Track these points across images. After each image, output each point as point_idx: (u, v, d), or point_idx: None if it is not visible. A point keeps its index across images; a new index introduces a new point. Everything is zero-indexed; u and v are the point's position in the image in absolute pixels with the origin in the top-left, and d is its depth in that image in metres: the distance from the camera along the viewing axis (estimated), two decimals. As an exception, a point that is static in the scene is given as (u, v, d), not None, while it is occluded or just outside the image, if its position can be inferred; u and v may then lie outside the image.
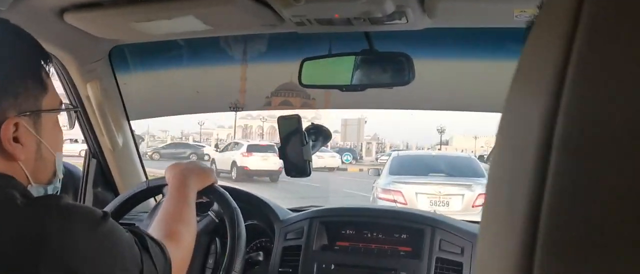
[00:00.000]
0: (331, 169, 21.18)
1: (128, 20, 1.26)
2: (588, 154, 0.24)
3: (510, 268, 0.27)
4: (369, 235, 1.55)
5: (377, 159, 34.49)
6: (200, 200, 1.32)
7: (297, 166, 1.46)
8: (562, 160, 0.24)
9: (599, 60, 0.25)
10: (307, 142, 1.45)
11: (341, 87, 1.48)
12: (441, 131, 40.67)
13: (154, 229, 1.02)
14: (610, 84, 0.24)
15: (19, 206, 0.74)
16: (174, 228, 1.03)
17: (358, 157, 32.22)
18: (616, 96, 0.24)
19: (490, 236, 0.31)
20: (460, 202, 6.87)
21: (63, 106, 0.90)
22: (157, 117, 1.96)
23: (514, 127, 0.29)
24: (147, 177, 1.85)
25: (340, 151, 27.97)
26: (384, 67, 1.45)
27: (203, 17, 1.27)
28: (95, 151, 1.74)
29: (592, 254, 0.24)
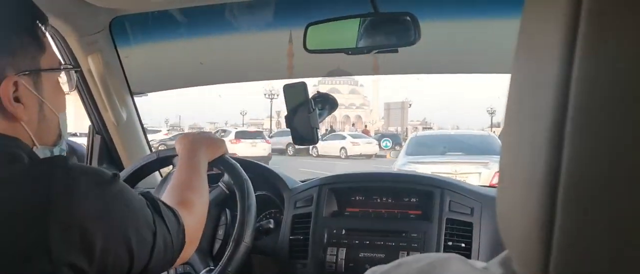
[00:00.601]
0: (369, 157, 21.85)
1: (128, -15, 1.24)
2: (603, 115, 0.25)
3: (533, 223, 0.28)
4: (379, 200, 1.55)
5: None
6: (211, 171, 1.30)
7: (304, 134, 1.44)
8: (578, 123, 0.25)
9: (608, 22, 0.25)
10: (313, 110, 1.44)
11: (347, 51, 1.46)
12: (491, 113, 39.46)
13: (165, 198, 1.00)
14: (622, 44, 0.24)
15: (26, 166, 0.73)
16: (185, 196, 1.03)
17: (401, 143, 31.70)
18: (628, 55, 0.24)
19: (510, 197, 0.31)
20: (477, 181, 6.81)
21: (62, 67, 0.88)
22: (159, 91, 1.94)
23: (526, 92, 0.30)
24: (151, 151, 1.84)
25: (382, 137, 26.85)
26: (389, 29, 1.43)
27: (204, -19, 1.24)
28: (99, 127, 1.73)
29: (612, 202, 0.25)
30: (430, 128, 42.50)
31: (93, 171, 0.78)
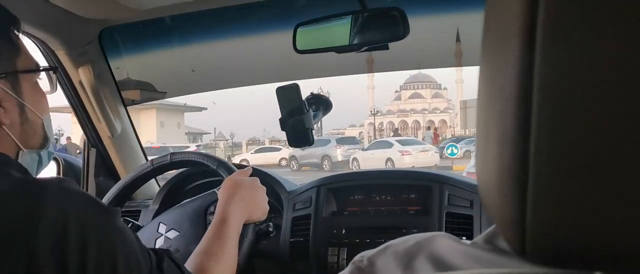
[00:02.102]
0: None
1: (115, -6, 1.23)
2: (565, 105, 0.26)
3: (508, 179, 0.29)
4: (378, 198, 1.54)
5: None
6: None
7: (299, 135, 1.43)
8: (543, 116, 0.26)
9: (566, 18, 0.26)
10: (307, 111, 1.43)
11: (337, 49, 1.46)
12: None
13: (188, 262, 0.96)
14: (577, 37, 0.25)
15: (15, 186, 0.71)
16: (205, 264, 0.97)
17: None
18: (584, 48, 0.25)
19: (486, 158, 0.32)
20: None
21: (41, 68, 0.87)
22: (153, 100, 1.94)
23: (494, 80, 0.30)
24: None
25: (457, 140, 23.73)
26: (378, 25, 1.43)
27: (191, -14, 1.24)
28: (93, 140, 1.72)
29: (582, 153, 0.26)
30: None
31: (91, 197, 0.76)
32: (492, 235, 0.44)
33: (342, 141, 22.97)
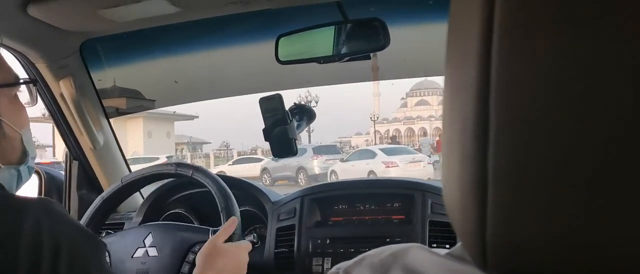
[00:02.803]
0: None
1: (95, 7, 1.23)
2: (522, 120, 0.26)
3: (468, 196, 0.29)
4: (362, 207, 1.54)
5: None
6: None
7: (282, 146, 1.43)
8: (500, 132, 0.27)
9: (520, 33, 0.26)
10: (291, 121, 1.43)
11: (319, 60, 1.46)
12: None
13: None
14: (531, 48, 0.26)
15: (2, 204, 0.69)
16: None
17: None
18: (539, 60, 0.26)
19: (449, 174, 0.32)
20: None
21: (20, 81, 0.85)
22: (138, 111, 1.93)
23: (455, 98, 0.31)
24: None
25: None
26: (359, 35, 1.44)
27: (171, -1, 1.24)
28: (76, 153, 1.71)
29: (540, 169, 0.27)
30: None
31: (81, 226, 0.75)
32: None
33: (320, 150, 19.66)
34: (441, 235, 1.41)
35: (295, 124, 1.47)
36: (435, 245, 1.40)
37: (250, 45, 1.70)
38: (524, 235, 0.27)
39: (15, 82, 0.83)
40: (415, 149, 24.07)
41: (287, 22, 1.52)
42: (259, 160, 21.91)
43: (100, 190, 1.76)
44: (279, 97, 1.46)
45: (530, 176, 0.26)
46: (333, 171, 17.25)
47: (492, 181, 0.27)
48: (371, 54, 1.60)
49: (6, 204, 0.70)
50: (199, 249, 1.16)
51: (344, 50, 1.44)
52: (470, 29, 0.28)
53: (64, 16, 1.29)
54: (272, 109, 1.44)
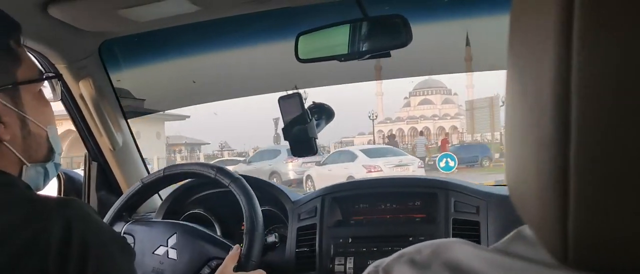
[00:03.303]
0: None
1: (115, 6, 1.22)
2: (606, 108, 0.25)
3: (547, 188, 0.28)
4: (383, 206, 1.53)
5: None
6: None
7: (302, 145, 1.42)
8: (583, 120, 0.26)
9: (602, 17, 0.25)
10: (310, 120, 1.42)
11: (339, 58, 1.45)
12: None
13: None
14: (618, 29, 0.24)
15: (30, 205, 0.69)
16: None
17: (490, 157, 20.38)
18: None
19: (520, 165, 0.31)
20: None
21: (44, 76, 0.83)
22: (153, 113, 1.92)
23: (527, 84, 0.29)
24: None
25: (466, 148, 20.75)
26: (380, 32, 1.42)
27: (191, -3, 1.23)
28: (95, 153, 1.71)
29: (625, 158, 0.25)
30: None
31: (109, 227, 0.76)
32: (513, 240, 0.42)
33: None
34: (465, 233, 1.39)
35: (315, 122, 1.46)
36: (459, 244, 1.38)
37: (268, 44, 1.69)
38: (609, 230, 0.26)
39: (38, 78, 0.81)
40: (409, 150, 22.85)
41: (307, 20, 1.51)
42: (236, 162, 20.60)
43: (119, 191, 1.76)
44: (299, 95, 1.45)
45: (616, 165, 0.25)
46: (309, 176, 15.27)
47: (573, 173, 0.26)
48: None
49: (34, 206, 0.69)
50: (216, 265, 1.22)
51: (364, 47, 1.43)
52: (546, 13, 0.26)
53: (84, 16, 1.28)
54: (291, 108, 1.44)
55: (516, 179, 0.32)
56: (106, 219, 1.43)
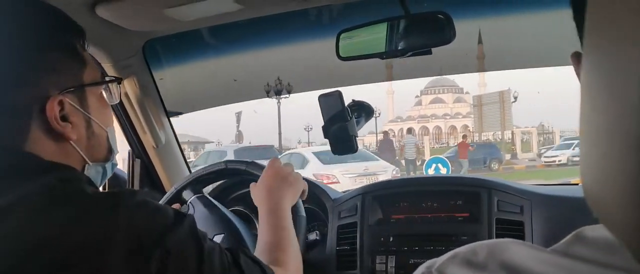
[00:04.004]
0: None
1: (161, 6, 1.24)
2: None
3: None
4: (424, 205, 1.51)
5: (540, 156, 22.99)
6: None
7: (343, 143, 1.42)
8: None
9: None
10: (351, 118, 1.42)
11: (381, 55, 1.44)
12: None
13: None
14: None
15: (89, 203, 0.70)
16: (277, 258, 0.98)
17: (500, 159, 19.74)
18: None
19: (600, 167, 0.30)
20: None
21: (106, 78, 0.86)
22: (195, 110, 1.95)
23: (611, 80, 0.28)
24: (190, 171, 1.84)
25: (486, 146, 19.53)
26: (422, 29, 1.41)
27: (235, -5, 1.24)
28: (138, 151, 1.74)
29: None
30: (551, 132, 30.69)
31: (163, 209, 0.75)
32: (573, 242, 0.41)
33: (245, 153, 14.51)
34: (509, 233, 1.36)
35: (355, 120, 1.45)
36: (503, 244, 1.35)
37: (309, 42, 1.70)
38: None
39: (102, 80, 0.84)
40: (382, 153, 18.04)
41: (348, 18, 1.51)
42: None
43: (161, 188, 1.79)
44: (339, 93, 1.44)
45: None
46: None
47: None
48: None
49: (96, 201, 0.71)
50: None
51: (406, 45, 1.42)
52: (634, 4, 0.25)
53: (130, 16, 1.31)
54: (331, 105, 1.43)
55: (594, 179, 0.31)
56: (181, 182, 1.45)
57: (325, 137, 1.43)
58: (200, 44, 1.75)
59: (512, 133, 25.88)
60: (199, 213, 1.36)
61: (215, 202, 1.41)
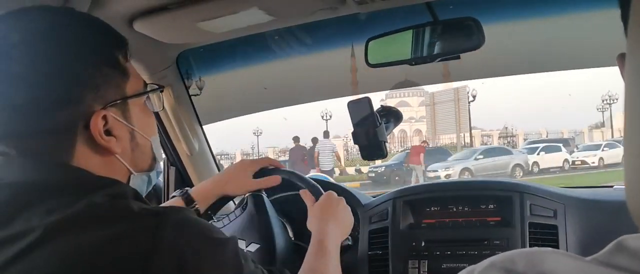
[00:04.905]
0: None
1: (194, 20, 1.28)
2: None
3: None
4: (455, 209, 1.52)
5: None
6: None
7: (373, 148, 1.43)
8: None
9: None
10: (380, 124, 1.43)
11: (410, 61, 1.46)
12: (602, 109, 30.42)
13: None
14: None
15: (135, 218, 0.70)
16: None
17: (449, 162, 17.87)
18: None
19: None
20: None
21: (148, 88, 0.85)
22: (226, 119, 1.99)
23: None
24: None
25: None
26: (451, 35, 1.41)
27: (266, 8, 1.27)
28: (173, 159, 1.79)
29: None
30: (513, 135, 28.99)
31: (206, 229, 0.74)
32: (615, 252, 0.40)
33: None
34: (543, 238, 1.36)
35: (384, 126, 1.47)
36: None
37: (337, 49, 1.72)
38: None
39: (144, 91, 0.84)
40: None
41: (376, 25, 1.52)
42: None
43: (195, 194, 1.83)
44: (368, 99, 1.46)
45: None
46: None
47: None
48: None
49: (140, 217, 0.70)
50: None
51: (435, 51, 1.43)
52: None
53: (165, 30, 1.35)
54: (360, 111, 1.45)
55: (635, 187, 0.31)
56: None
57: (355, 142, 1.45)
58: (232, 52, 1.79)
59: (471, 136, 24.59)
60: (248, 212, 1.38)
61: (267, 206, 1.43)
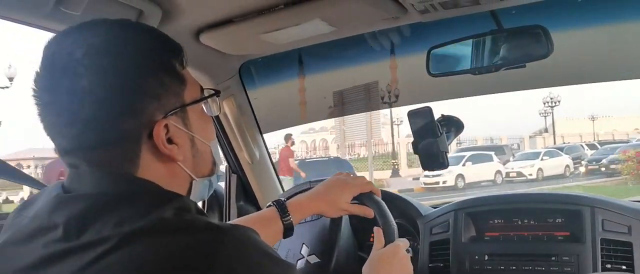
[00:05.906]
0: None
1: (258, 32, 1.31)
2: None
3: None
4: (520, 222, 1.47)
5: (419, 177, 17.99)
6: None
7: (434, 159, 1.41)
8: None
9: None
10: (441, 133, 1.41)
11: (473, 71, 1.43)
12: (545, 113, 29.49)
13: None
14: None
15: (194, 233, 0.70)
16: None
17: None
18: None
19: None
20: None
21: (205, 93, 0.85)
22: (287, 127, 2.01)
23: None
24: (283, 188, 1.91)
25: (312, 166, 14.28)
26: (517, 44, 1.38)
27: (328, 19, 1.28)
28: (234, 167, 1.82)
29: None
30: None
31: (265, 251, 0.74)
32: None
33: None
34: (615, 255, 1.30)
35: (445, 136, 1.44)
36: (609, 266, 1.29)
37: (399, 58, 1.71)
38: None
39: (201, 97, 0.84)
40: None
41: (439, 33, 1.50)
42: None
43: (255, 202, 1.86)
44: (429, 109, 1.43)
45: None
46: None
47: None
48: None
49: (203, 233, 0.71)
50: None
51: (499, 60, 1.40)
52: None
53: (230, 42, 1.39)
54: (421, 121, 1.43)
55: None
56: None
57: (415, 152, 1.43)
58: (292, 62, 1.82)
59: (396, 143, 22.87)
60: (322, 222, 1.38)
61: (343, 225, 1.42)
